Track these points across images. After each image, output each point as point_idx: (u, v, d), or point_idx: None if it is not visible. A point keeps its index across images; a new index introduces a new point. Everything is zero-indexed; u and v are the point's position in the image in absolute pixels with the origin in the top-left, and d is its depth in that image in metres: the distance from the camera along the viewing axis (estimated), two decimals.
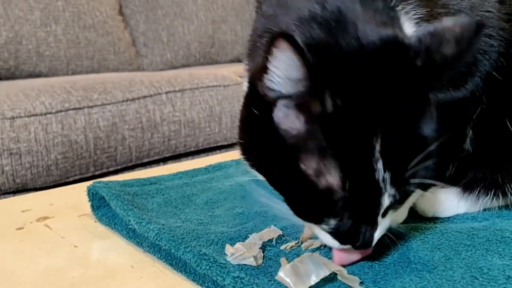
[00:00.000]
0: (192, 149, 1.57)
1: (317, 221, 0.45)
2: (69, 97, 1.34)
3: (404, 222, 0.57)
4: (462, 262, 0.48)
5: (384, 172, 0.41)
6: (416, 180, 0.43)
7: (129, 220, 0.57)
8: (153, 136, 1.47)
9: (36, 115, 1.28)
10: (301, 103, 0.41)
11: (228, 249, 0.49)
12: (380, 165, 0.41)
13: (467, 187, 0.58)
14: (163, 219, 0.58)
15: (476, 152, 0.56)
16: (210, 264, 0.47)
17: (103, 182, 0.65)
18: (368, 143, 0.41)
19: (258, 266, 0.48)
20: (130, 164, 1.45)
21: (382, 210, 0.44)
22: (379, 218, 0.44)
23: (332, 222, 0.44)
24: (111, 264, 0.53)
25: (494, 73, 0.52)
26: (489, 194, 0.57)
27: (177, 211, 0.62)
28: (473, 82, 0.53)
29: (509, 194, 0.56)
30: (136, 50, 2.13)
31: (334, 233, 0.44)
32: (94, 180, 0.68)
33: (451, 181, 0.59)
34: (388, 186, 0.42)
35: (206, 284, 0.47)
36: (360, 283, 0.44)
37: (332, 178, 0.41)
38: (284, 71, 0.40)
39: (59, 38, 1.88)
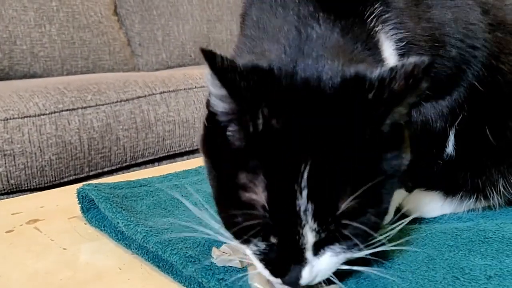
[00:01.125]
0: (187, 149, 1.57)
1: (246, 241, 0.42)
2: (63, 98, 1.34)
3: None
4: (444, 262, 0.48)
5: (307, 202, 0.38)
6: (350, 223, 0.39)
7: (118, 223, 0.57)
8: (148, 136, 1.47)
9: (29, 116, 1.28)
10: (239, 119, 0.41)
11: (215, 251, 0.50)
12: (304, 194, 0.38)
13: (450, 191, 0.59)
14: (151, 221, 0.58)
15: (458, 157, 0.56)
16: (196, 266, 0.47)
17: (92, 185, 0.66)
18: (295, 169, 0.38)
19: (243, 268, 0.48)
20: (124, 165, 1.45)
21: (308, 245, 0.40)
22: (309, 255, 0.41)
23: (260, 245, 0.42)
24: (99, 267, 0.53)
25: (476, 84, 0.53)
26: (472, 198, 0.58)
27: (166, 213, 0.62)
28: (458, 91, 0.54)
29: (490, 198, 0.57)
30: (131, 50, 2.13)
31: (265, 260, 0.42)
32: (84, 183, 0.68)
33: (435, 185, 0.59)
34: (309, 219, 0.39)
35: (192, 286, 0.48)
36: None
37: (257, 196, 0.40)
38: (212, 88, 0.41)
39: (54, 38, 1.88)
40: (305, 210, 0.39)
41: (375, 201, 0.41)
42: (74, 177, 1.35)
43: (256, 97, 0.40)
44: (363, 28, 0.48)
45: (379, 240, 0.44)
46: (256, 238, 0.41)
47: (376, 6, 0.49)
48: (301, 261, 0.41)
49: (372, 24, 0.48)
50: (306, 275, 0.41)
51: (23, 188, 1.26)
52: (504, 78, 0.54)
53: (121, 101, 1.43)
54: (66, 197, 0.70)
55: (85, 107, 1.36)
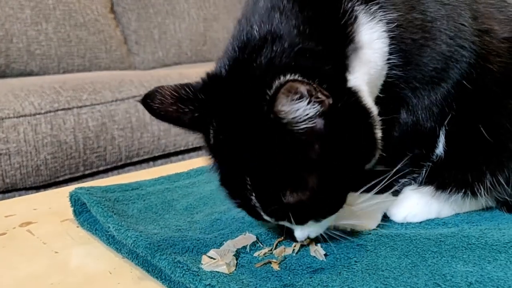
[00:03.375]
0: (182, 148, 1.58)
1: None
2: (58, 98, 1.35)
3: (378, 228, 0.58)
4: (427, 269, 0.49)
5: (257, 202, 0.47)
6: (298, 214, 0.48)
7: (109, 227, 0.58)
8: (143, 135, 1.48)
9: (25, 115, 1.29)
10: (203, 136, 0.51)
11: (204, 259, 0.51)
12: (253, 196, 0.47)
13: (440, 186, 0.60)
14: (142, 226, 0.59)
15: (448, 156, 0.57)
16: (184, 271, 0.48)
17: (84, 188, 0.67)
18: (242, 179, 0.47)
19: (230, 273, 0.49)
20: (119, 164, 1.46)
21: (280, 222, 0.50)
22: (292, 225, 0.50)
23: None
24: (90, 270, 0.54)
25: (464, 82, 0.54)
26: (460, 193, 0.59)
27: (157, 217, 0.63)
28: (445, 88, 0.55)
29: (478, 194, 0.58)
30: (127, 48, 2.13)
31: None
32: (77, 186, 0.69)
33: (424, 182, 0.60)
34: (262, 213, 0.48)
35: None
36: None
37: (228, 192, 0.51)
38: None
39: (50, 36, 1.88)
40: (258, 207, 0.48)
41: (322, 188, 0.47)
42: (69, 176, 1.36)
43: (203, 115, 0.48)
44: (334, 12, 0.49)
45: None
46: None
47: None
48: (289, 228, 0.51)
49: (350, 4, 0.49)
50: (299, 235, 0.51)
51: (18, 187, 1.27)
52: (494, 78, 0.55)
53: (116, 101, 1.44)
54: (59, 199, 0.70)
55: (80, 107, 1.37)
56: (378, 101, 0.53)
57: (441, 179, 0.59)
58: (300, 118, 0.44)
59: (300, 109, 0.44)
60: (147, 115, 1.49)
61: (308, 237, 0.52)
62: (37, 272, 0.54)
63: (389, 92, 0.54)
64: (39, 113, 1.30)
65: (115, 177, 0.88)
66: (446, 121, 0.55)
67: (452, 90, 0.55)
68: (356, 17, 0.50)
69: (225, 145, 0.48)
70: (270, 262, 0.51)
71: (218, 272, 0.49)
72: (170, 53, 2.21)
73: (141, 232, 0.56)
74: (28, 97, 1.32)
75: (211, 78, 0.50)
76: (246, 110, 0.46)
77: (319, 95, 0.44)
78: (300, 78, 0.43)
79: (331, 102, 0.45)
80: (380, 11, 0.50)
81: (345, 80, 0.49)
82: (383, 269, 0.50)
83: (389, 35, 0.51)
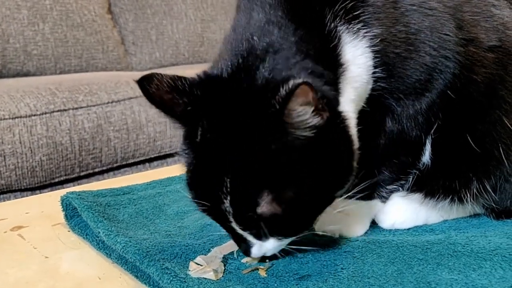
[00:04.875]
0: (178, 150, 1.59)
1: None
2: (54, 99, 1.35)
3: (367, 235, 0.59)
4: (413, 276, 0.50)
5: (230, 206, 0.47)
6: (270, 225, 0.47)
7: (99, 232, 0.59)
8: (139, 137, 1.48)
9: (20, 117, 1.29)
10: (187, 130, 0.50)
11: (192, 265, 0.51)
12: (227, 200, 0.46)
13: (428, 194, 0.60)
14: (132, 231, 0.60)
15: (435, 165, 0.58)
16: (171, 278, 0.49)
17: (76, 193, 0.67)
18: (221, 179, 0.46)
19: (217, 279, 0.50)
20: (115, 165, 1.46)
21: (245, 234, 0.49)
22: (252, 239, 0.49)
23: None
24: (80, 276, 0.55)
25: (449, 92, 0.54)
26: (447, 199, 0.59)
27: (147, 222, 0.64)
28: (429, 97, 0.55)
29: (464, 200, 0.59)
30: (124, 49, 2.13)
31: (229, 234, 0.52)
32: (68, 190, 0.69)
33: (412, 189, 0.61)
34: (232, 219, 0.48)
35: None
36: None
37: (200, 193, 0.49)
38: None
39: (47, 37, 1.88)
40: (229, 213, 0.47)
41: (297, 204, 0.47)
42: (64, 177, 1.36)
43: (195, 111, 0.48)
44: (321, 31, 0.50)
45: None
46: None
47: (343, 4, 0.51)
48: (248, 242, 0.50)
49: (334, 25, 0.50)
50: (255, 251, 0.50)
51: (13, 188, 1.27)
52: (478, 88, 0.56)
53: (112, 102, 1.44)
54: (52, 202, 0.71)
55: (76, 108, 1.37)
56: (365, 110, 0.54)
57: (429, 187, 0.60)
58: (304, 124, 0.45)
59: (306, 114, 0.45)
60: (143, 117, 1.50)
61: (263, 255, 0.51)
62: (27, 277, 0.54)
63: (374, 102, 0.54)
64: (35, 115, 1.31)
65: (108, 180, 0.88)
66: (432, 130, 0.56)
67: (437, 100, 0.55)
68: (340, 38, 0.51)
69: (212, 144, 0.47)
70: (257, 269, 0.52)
71: (205, 278, 0.50)
72: (167, 54, 2.22)
73: (130, 238, 0.56)
74: (24, 99, 1.32)
75: (210, 78, 0.50)
76: (245, 112, 0.46)
77: (320, 107, 0.45)
78: (313, 86, 0.44)
79: (328, 116, 0.46)
80: (363, 28, 0.51)
81: (337, 103, 0.50)
82: (369, 276, 0.50)
83: (372, 50, 0.52)
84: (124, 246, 0.54)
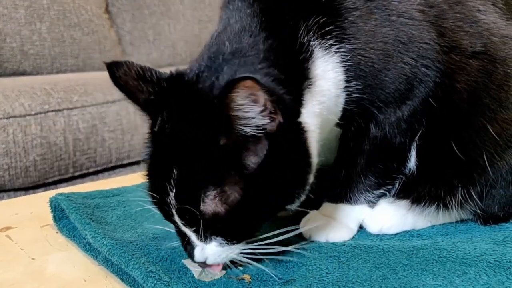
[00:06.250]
0: None
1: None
2: (49, 99, 1.35)
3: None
4: (397, 282, 0.50)
5: (174, 200, 0.47)
6: (212, 224, 0.47)
7: (86, 234, 0.59)
8: (133, 137, 1.48)
9: (15, 116, 1.29)
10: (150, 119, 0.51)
11: (195, 272, 0.51)
12: (172, 193, 0.47)
13: (415, 200, 0.60)
14: (119, 233, 0.60)
15: (421, 170, 0.58)
16: (156, 281, 0.49)
17: (64, 194, 0.67)
18: (168, 171, 0.47)
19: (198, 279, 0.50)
20: (110, 166, 1.46)
21: (188, 232, 0.49)
22: (195, 240, 0.49)
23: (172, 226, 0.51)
24: (65, 278, 0.55)
25: (431, 100, 0.54)
26: (433, 206, 0.60)
27: (136, 224, 0.64)
28: (411, 105, 0.55)
29: (450, 207, 0.59)
30: (122, 49, 2.13)
31: (178, 235, 0.52)
32: (65, 188, 0.69)
33: (400, 196, 0.61)
34: (175, 214, 0.48)
35: None
36: None
37: (149, 184, 0.50)
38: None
39: (44, 36, 1.88)
40: (173, 206, 0.47)
41: (240, 207, 0.47)
42: (58, 177, 1.36)
43: (159, 101, 0.49)
44: (293, 43, 0.51)
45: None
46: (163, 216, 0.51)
47: (317, 19, 0.51)
48: (192, 243, 0.50)
49: (307, 39, 0.51)
50: (197, 254, 0.50)
51: (6, 188, 1.27)
52: (460, 96, 0.56)
53: (107, 103, 1.44)
54: (42, 203, 0.71)
55: (71, 108, 1.37)
56: (347, 118, 0.54)
57: (416, 193, 0.60)
58: (248, 121, 0.45)
59: (251, 112, 0.45)
60: (138, 118, 1.50)
61: (204, 262, 0.50)
62: (13, 279, 0.54)
63: (355, 112, 0.55)
64: (29, 115, 1.31)
65: (100, 181, 0.88)
66: (417, 137, 0.56)
67: (419, 107, 0.56)
68: (312, 52, 0.51)
69: (167, 135, 0.48)
70: (243, 278, 0.51)
71: (189, 283, 0.50)
72: (165, 54, 2.22)
73: (117, 240, 0.56)
74: (19, 98, 1.32)
75: (179, 75, 0.52)
76: (200, 106, 0.47)
77: (273, 110, 0.46)
78: (262, 84, 0.44)
79: (281, 121, 0.46)
80: (335, 44, 0.52)
81: (298, 113, 0.50)
82: (354, 281, 0.50)
83: (345, 64, 0.52)
84: (110, 248, 0.55)
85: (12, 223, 0.67)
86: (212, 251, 0.49)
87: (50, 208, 0.66)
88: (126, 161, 1.49)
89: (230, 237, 0.48)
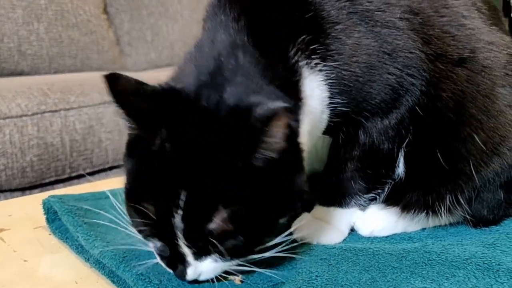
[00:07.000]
0: None
1: (146, 238, 0.50)
2: (46, 100, 1.36)
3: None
4: (386, 284, 0.50)
5: (180, 222, 0.45)
6: (218, 244, 0.46)
7: (78, 236, 0.59)
8: None
9: (11, 117, 1.29)
10: (140, 135, 0.48)
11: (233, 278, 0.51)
12: (179, 215, 0.45)
13: (405, 208, 0.61)
14: (111, 235, 0.60)
15: (409, 177, 0.58)
16: (146, 284, 0.49)
17: (57, 196, 0.67)
18: (175, 192, 0.45)
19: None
20: (106, 166, 1.46)
21: (186, 253, 0.47)
22: (191, 259, 0.48)
23: (157, 243, 0.49)
24: (57, 280, 0.55)
25: (417, 108, 0.55)
26: (422, 213, 0.60)
27: (127, 227, 0.64)
28: (397, 113, 0.56)
29: (438, 214, 0.59)
30: (120, 49, 2.14)
31: (160, 255, 0.50)
32: (57, 192, 0.70)
33: (390, 203, 0.61)
34: (181, 235, 0.46)
35: None
36: None
37: (149, 205, 0.46)
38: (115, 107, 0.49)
39: (42, 36, 1.88)
40: (178, 228, 0.46)
41: (248, 225, 0.47)
42: (55, 178, 1.36)
43: (156, 118, 0.46)
44: (285, 64, 0.51)
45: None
46: (154, 238, 0.49)
47: (302, 38, 0.51)
48: (185, 262, 0.48)
49: (295, 59, 0.51)
50: (190, 273, 0.49)
51: (3, 189, 1.28)
52: (446, 105, 0.56)
53: (104, 103, 1.44)
54: (36, 205, 0.71)
55: (68, 109, 1.38)
56: (335, 127, 0.55)
57: (405, 201, 0.60)
58: (274, 146, 0.45)
59: (277, 137, 0.45)
60: None
61: (196, 280, 0.49)
62: (4, 281, 0.54)
63: (341, 122, 0.55)
64: (26, 115, 1.31)
65: (95, 183, 0.88)
66: (404, 144, 0.56)
67: (406, 114, 0.56)
68: (301, 73, 0.51)
69: (171, 155, 0.46)
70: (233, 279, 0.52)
71: (179, 285, 0.50)
72: (163, 54, 2.22)
73: (108, 243, 0.56)
74: (16, 99, 1.33)
75: (174, 91, 0.49)
76: (213, 129, 0.46)
77: (289, 133, 0.46)
78: (296, 114, 0.46)
79: (290, 144, 0.46)
80: (320, 63, 0.52)
81: (298, 133, 0.50)
82: (343, 284, 0.50)
83: (329, 82, 0.52)
84: (101, 250, 0.55)
85: (5, 225, 0.68)
86: (206, 268, 0.48)
87: (43, 210, 0.66)
88: (122, 162, 1.49)
89: (231, 254, 0.48)
